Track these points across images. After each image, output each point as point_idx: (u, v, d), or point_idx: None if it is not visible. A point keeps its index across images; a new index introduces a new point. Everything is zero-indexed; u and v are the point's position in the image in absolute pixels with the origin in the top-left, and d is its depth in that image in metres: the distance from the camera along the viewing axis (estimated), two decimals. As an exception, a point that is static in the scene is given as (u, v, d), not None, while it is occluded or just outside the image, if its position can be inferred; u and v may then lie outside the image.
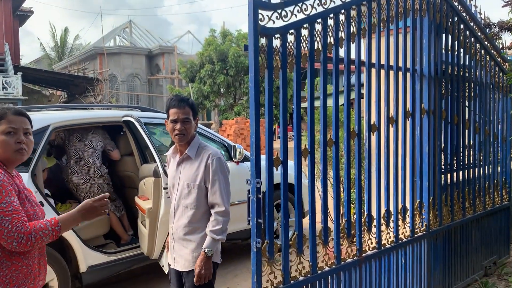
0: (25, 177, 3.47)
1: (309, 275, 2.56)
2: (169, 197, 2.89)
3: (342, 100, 3.14)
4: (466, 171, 3.98)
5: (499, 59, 4.46)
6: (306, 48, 2.50)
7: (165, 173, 3.72)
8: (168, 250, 2.70)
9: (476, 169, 4.15)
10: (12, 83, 18.50)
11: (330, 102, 2.82)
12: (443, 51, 3.61)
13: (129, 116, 4.13)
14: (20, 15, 23.27)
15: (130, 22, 33.20)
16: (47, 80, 24.48)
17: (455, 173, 3.80)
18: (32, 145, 1.90)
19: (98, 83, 23.60)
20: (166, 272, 2.76)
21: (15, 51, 21.64)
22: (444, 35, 3.60)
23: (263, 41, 2.29)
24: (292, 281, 2.47)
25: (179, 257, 2.58)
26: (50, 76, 24.12)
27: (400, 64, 3.19)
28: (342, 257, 2.79)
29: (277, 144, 2.52)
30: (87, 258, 3.81)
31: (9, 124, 1.82)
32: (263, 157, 2.31)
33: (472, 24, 3.95)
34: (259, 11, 2.24)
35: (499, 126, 4.55)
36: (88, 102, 21.54)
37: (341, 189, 3.25)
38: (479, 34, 4.07)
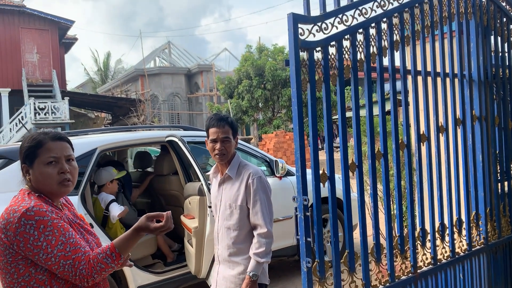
0: (75, 201, 3.56)
1: (362, 294, 2.46)
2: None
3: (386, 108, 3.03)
4: (525, 178, 3.75)
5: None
6: (348, 59, 2.44)
7: (210, 191, 3.71)
8: None
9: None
10: (60, 108, 19.43)
11: (375, 111, 2.72)
12: (492, 53, 3.45)
13: (172, 136, 4.18)
14: (65, 43, 24.45)
15: (169, 43, 34.14)
16: (92, 103, 25.51)
17: (512, 181, 3.59)
18: (76, 172, 1.70)
19: (140, 104, 24.29)
20: (215, 292, 2.73)
21: (61, 77, 22.73)
22: (492, 37, 3.44)
23: (304, 55, 2.25)
24: (345, 301, 2.38)
25: (222, 279, 2.54)
26: (95, 99, 25.14)
27: (447, 70, 3.06)
28: (396, 274, 2.66)
29: (320, 156, 2.43)
30: (136, 278, 3.85)
31: (49, 153, 1.62)
32: (308, 171, 2.25)
33: (522, 23, 3.75)
34: (299, 25, 2.20)
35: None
36: (132, 123, 22.18)
37: (391, 203, 3.12)
38: (530, 33, 3.86)
